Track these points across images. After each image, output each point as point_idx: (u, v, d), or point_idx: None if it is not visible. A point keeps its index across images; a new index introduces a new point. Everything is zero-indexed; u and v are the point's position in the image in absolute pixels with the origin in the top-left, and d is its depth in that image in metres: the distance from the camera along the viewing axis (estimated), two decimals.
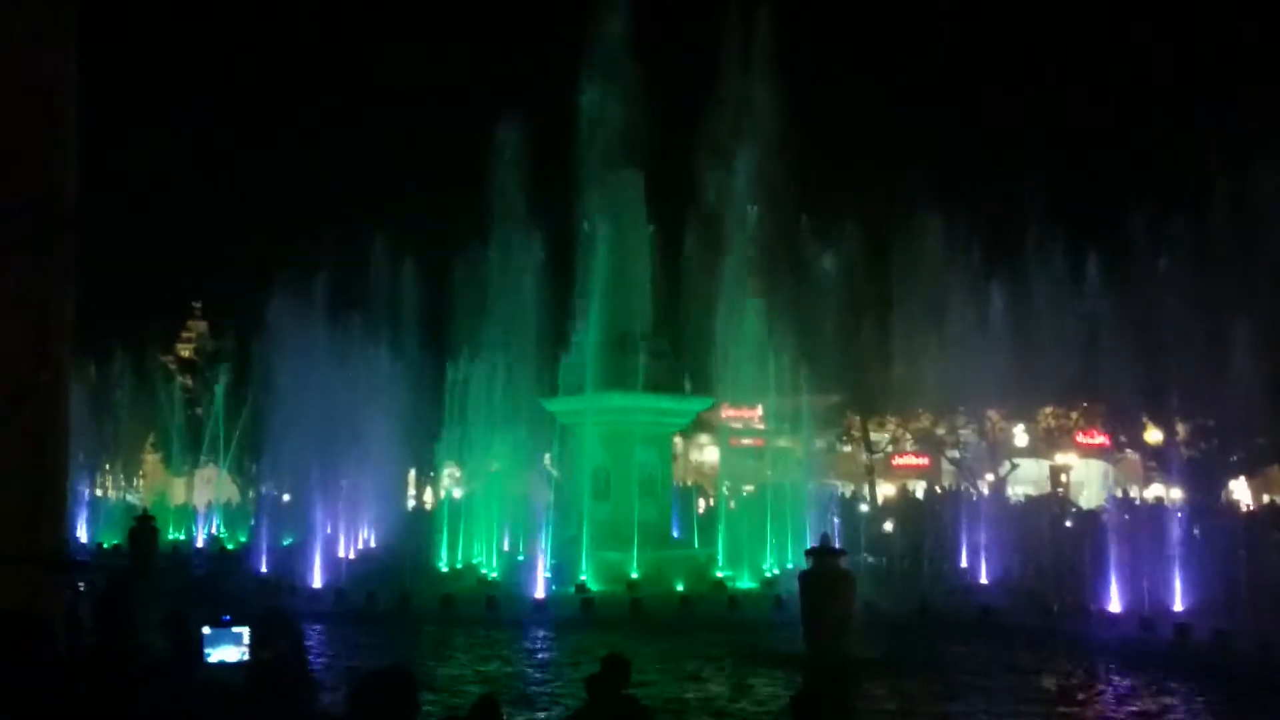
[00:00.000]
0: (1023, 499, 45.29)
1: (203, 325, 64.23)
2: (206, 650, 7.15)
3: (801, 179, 31.62)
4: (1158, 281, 33.56)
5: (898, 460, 56.81)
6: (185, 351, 60.08)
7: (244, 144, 60.22)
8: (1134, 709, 15.78)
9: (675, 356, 31.35)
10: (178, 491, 56.79)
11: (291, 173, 56.05)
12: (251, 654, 7.04)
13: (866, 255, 39.18)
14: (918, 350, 39.83)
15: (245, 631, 7.13)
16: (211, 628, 7.21)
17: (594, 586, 26.23)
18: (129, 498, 58.54)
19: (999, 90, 44.09)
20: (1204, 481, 35.09)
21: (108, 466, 55.51)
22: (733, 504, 35.71)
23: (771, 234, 32.91)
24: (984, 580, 29.26)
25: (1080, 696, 16.77)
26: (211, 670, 7.14)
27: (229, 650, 7.16)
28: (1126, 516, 26.29)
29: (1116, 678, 18.27)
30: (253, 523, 40.86)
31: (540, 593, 25.73)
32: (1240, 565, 23.43)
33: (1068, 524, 35.63)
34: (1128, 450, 45.63)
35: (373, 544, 35.26)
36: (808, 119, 31.53)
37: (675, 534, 32.06)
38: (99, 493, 52.53)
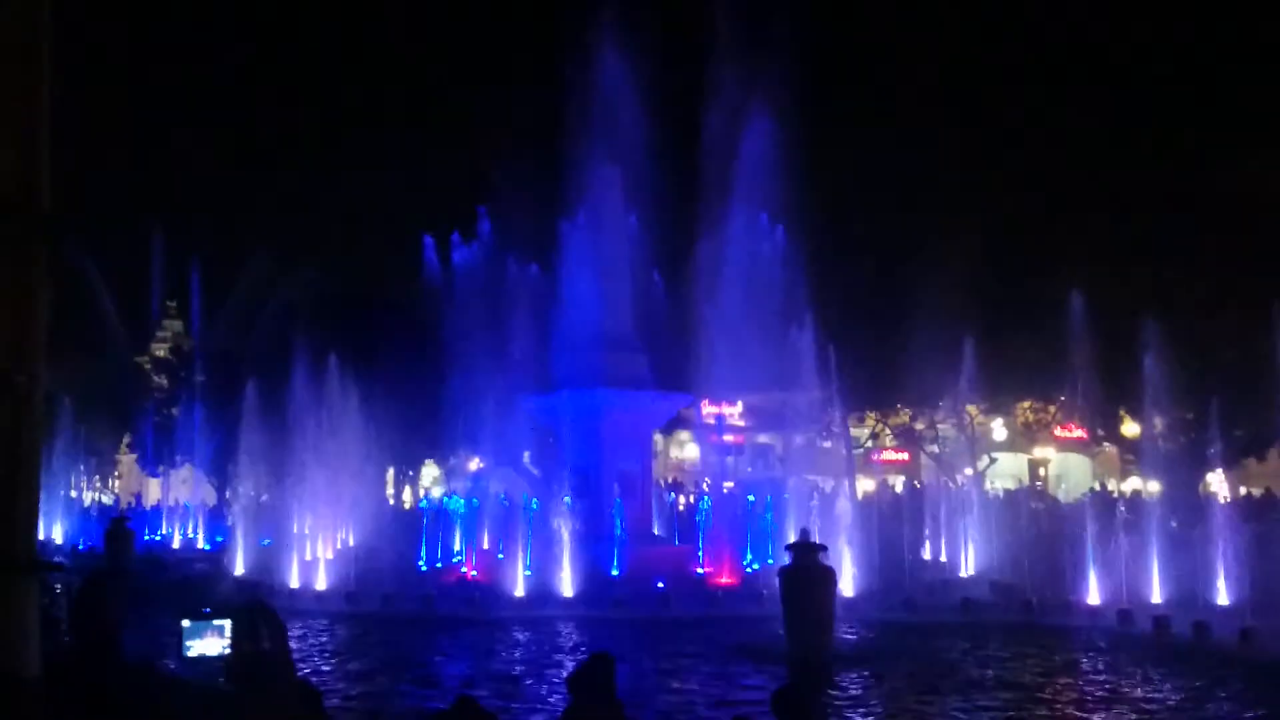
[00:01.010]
0: (1001, 493, 45.53)
1: (178, 324, 63.76)
2: (186, 644, 7.04)
3: (786, 174, 31.63)
4: (1132, 275, 33.76)
5: (877, 455, 57.06)
6: (160, 351, 59.58)
7: (221, 134, 59.80)
8: (1113, 699, 15.83)
9: (654, 353, 31.33)
10: (153, 493, 56.49)
11: (272, 168, 55.72)
12: (233, 647, 6.94)
13: (849, 251, 39.29)
14: (899, 345, 39.96)
15: (226, 624, 7.02)
16: (191, 620, 7.09)
17: (575, 585, 26.15)
18: (104, 499, 58.20)
19: (992, 87, 44.05)
20: (1182, 474, 35.31)
21: (83, 468, 55.12)
22: (712, 499, 35.67)
23: (754, 229, 32.94)
24: (964, 574, 29.39)
25: (1060, 688, 16.82)
26: (191, 664, 7.03)
27: (210, 643, 7.05)
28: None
29: (1095, 669, 18.33)
30: (229, 523, 40.66)
31: (520, 591, 25.67)
32: (1219, 557, 23.60)
33: (1044, 517, 35.80)
34: (1106, 444, 45.90)
35: (351, 544, 35.12)
36: (794, 113, 31.50)
37: (655, 531, 32.03)
38: (74, 494, 52.16)
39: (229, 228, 53.30)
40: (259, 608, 7.14)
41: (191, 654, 7.08)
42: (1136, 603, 22.40)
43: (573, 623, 23.03)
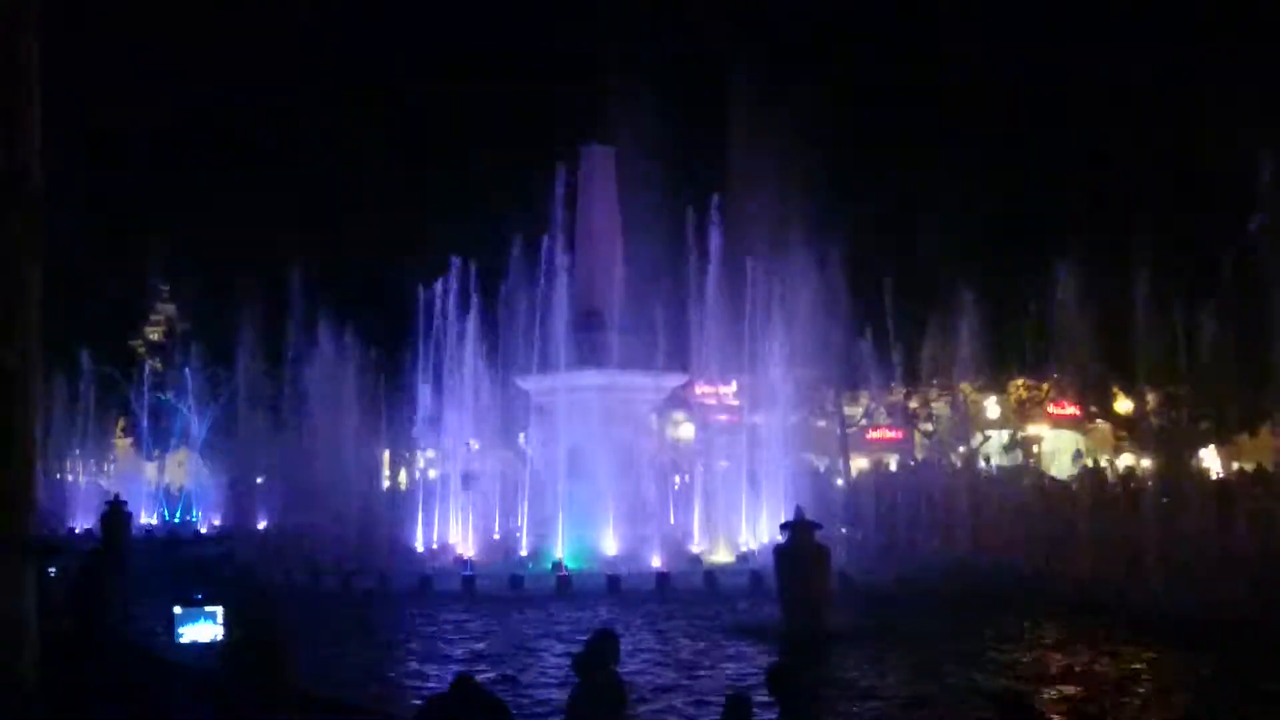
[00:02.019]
0: (994, 470, 45.62)
1: (171, 308, 63.57)
2: (178, 630, 7.00)
3: (776, 151, 31.60)
4: (1127, 251, 33.71)
5: (871, 434, 57.08)
6: (154, 334, 59.44)
7: (210, 115, 59.25)
8: (1098, 671, 15.93)
9: (649, 333, 31.32)
10: (149, 476, 56.45)
11: (262, 151, 55.28)
12: (227, 633, 6.91)
13: (837, 229, 39.17)
14: (893, 324, 40.06)
15: (219, 611, 6.97)
16: (183, 606, 7.04)
17: (571, 564, 26.23)
18: (100, 482, 58.18)
19: (978, 60, 43.80)
20: (1174, 450, 35.41)
21: (78, 451, 55.07)
22: (707, 479, 35.62)
23: (745, 209, 32.92)
24: (957, 550, 29.49)
25: (1050, 660, 16.91)
26: (184, 650, 6.99)
27: (203, 629, 7.01)
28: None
29: (1086, 641, 18.40)
30: (225, 507, 40.77)
31: (518, 570, 25.72)
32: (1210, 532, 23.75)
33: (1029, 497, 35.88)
34: (1098, 420, 45.97)
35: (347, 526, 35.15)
36: (785, 92, 31.45)
37: (651, 510, 32.06)
38: (70, 477, 52.16)
39: (223, 208, 52.87)
40: (255, 594, 7.17)
41: (184, 640, 7.02)
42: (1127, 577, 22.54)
43: (568, 602, 23.08)
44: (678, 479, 40.79)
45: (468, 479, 29.93)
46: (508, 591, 24.22)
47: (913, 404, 50.61)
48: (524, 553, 26.60)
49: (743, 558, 27.69)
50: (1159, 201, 35.16)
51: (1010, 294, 37.78)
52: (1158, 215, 34.20)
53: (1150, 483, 28.82)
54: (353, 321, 36.09)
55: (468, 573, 25.28)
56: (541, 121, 30.81)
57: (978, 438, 50.37)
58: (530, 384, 31.34)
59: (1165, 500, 27.49)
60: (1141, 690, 14.76)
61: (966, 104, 41.74)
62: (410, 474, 54.09)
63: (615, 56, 30.11)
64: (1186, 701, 14.15)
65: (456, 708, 7.98)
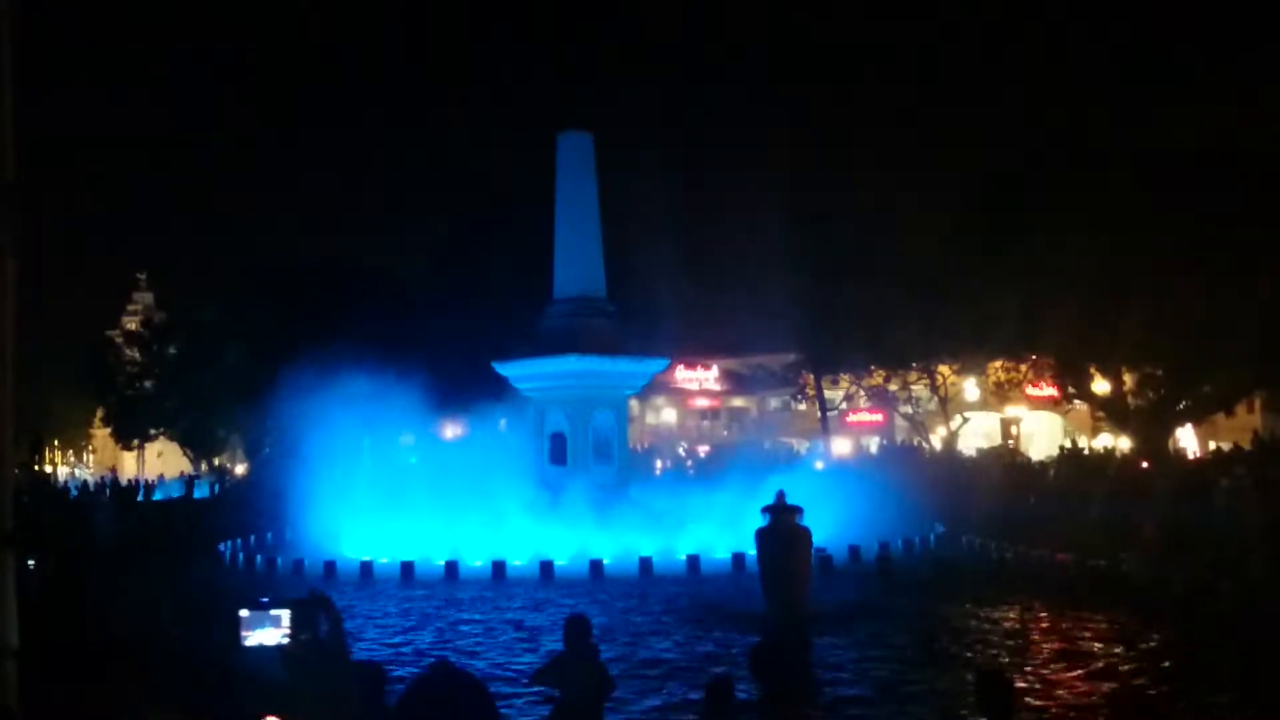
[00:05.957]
0: (975, 452, 46.00)
1: (149, 297, 63.31)
2: (244, 634, 7.02)
3: (755, 138, 31.64)
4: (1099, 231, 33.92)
5: (852, 417, 57.38)
6: (131, 324, 59.10)
7: (188, 105, 59.02)
8: (1078, 648, 16.09)
9: (629, 319, 31.38)
10: (129, 465, 56.29)
11: (244, 137, 55.15)
12: (291, 637, 6.94)
13: (820, 214, 39.36)
14: (871, 308, 40.21)
15: (285, 614, 7.01)
16: (249, 609, 7.07)
17: (553, 551, 26.25)
18: (79, 473, 58.01)
19: (936, 34, 43.98)
20: (1151, 430, 35.69)
21: (56, 442, 54.83)
22: (689, 464, 35.74)
23: (726, 196, 33.00)
24: (939, 530, 29.71)
25: (1032, 638, 17.05)
26: (248, 654, 7.00)
27: (268, 634, 7.03)
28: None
29: (1067, 621, 18.57)
30: (208, 495, 40.61)
31: (500, 557, 25.73)
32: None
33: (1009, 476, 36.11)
34: (1076, 401, 46.35)
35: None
36: (763, 78, 31.49)
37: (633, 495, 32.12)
38: (48, 469, 51.90)
39: (204, 201, 52.75)
40: (317, 597, 7.20)
41: (249, 644, 7.07)
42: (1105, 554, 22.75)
43: (550, 586, 23.15)
44: (659, 463, 40.98)
45: None
46: (491, 577, 24.28)
47: (892, 387, 50.90)
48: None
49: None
50: (1138, 183, 35.34)
51: (991, 276, 37.98)
52: (1138, 196, 34.40)
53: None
54: (334, 308, 36.05)
55: (449, 559, 25.28)
56: (522, 106, 30.76)
57: (957, 419, 50.75)
58: (511, 370, 31.34)
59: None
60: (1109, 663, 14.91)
61: (949, 83, 41.88)
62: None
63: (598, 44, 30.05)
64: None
65: (437, 690, 8.05)
